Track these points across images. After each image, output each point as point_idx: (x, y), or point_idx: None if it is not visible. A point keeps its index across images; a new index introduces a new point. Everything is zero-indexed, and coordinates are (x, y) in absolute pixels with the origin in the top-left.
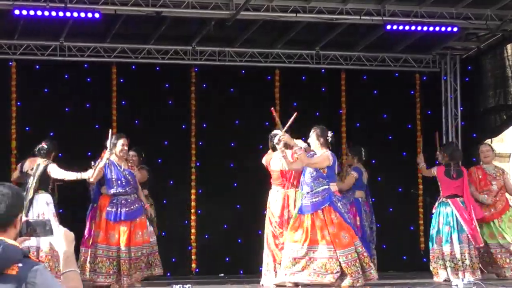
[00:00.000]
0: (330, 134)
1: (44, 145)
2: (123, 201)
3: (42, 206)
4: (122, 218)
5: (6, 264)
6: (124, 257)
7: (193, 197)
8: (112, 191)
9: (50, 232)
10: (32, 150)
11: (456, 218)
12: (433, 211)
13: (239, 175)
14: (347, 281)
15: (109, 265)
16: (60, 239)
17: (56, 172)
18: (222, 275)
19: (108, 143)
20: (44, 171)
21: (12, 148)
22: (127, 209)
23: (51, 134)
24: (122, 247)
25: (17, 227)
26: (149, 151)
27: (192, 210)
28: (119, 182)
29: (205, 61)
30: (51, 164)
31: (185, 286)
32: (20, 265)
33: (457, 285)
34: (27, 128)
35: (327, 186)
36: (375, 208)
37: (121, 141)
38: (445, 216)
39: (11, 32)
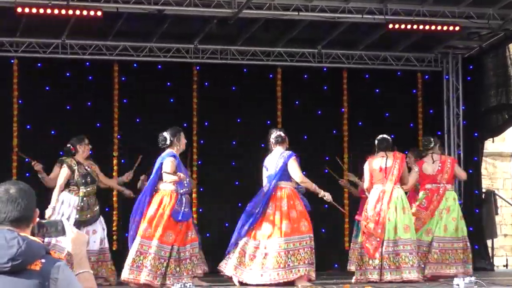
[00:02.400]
0: (274, 134)
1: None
2: (186, 200)
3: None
4: (186, 218)
5: (30, 260)
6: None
7: (194, 195)
8: (183, 189)
9: (62, 232)
10: (33, 148)
11: None
12: None
13: (241, 173)
14: None
15: (159, 264)
16: (73, 240)
17: None
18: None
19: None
20: None
21: (14, 146)
22: (187, 209)
23: (52, 132)
24: (176, 246)
25: (34, 222)
26: (150, 149)
27: (194, 209)
28: (187, 179)
29: (207, 59)
30: None
31: (186, 284)
32: (43, 261)
33: (458, 285)
34: (28, 126)
35: None
36: None
37: (184, 137)
38: None
39: (13, 30)
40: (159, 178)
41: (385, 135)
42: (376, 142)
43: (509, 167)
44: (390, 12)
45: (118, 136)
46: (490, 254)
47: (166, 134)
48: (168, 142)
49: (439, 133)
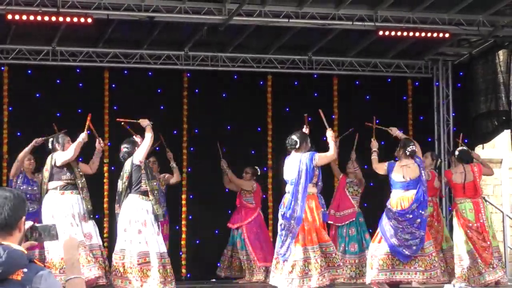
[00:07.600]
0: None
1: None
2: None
3: None
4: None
5: (11, 270)
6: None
7: (184, 202)
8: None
9: (55, 236)
10: None
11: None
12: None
13: None
14: None
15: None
16: (65, 244)
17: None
18: (213, 280)
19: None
20: None
21: (4, 152)
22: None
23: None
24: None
25: (21, 230)
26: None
27: (183, 215)
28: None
29: (198, 66)
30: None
31: None
32: (25, 270)
33: None
34: (18, 133)
35: None
36: (368, 214)
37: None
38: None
39: (3, 37)
40: (310, 180)
41: (465, 147)
42: (457, 154)
43: (499, 174)
44: (380, 19)
45: (109, 144)
46: None
47: (295, 137)
48: (298, 145)
49: (429, 139)
